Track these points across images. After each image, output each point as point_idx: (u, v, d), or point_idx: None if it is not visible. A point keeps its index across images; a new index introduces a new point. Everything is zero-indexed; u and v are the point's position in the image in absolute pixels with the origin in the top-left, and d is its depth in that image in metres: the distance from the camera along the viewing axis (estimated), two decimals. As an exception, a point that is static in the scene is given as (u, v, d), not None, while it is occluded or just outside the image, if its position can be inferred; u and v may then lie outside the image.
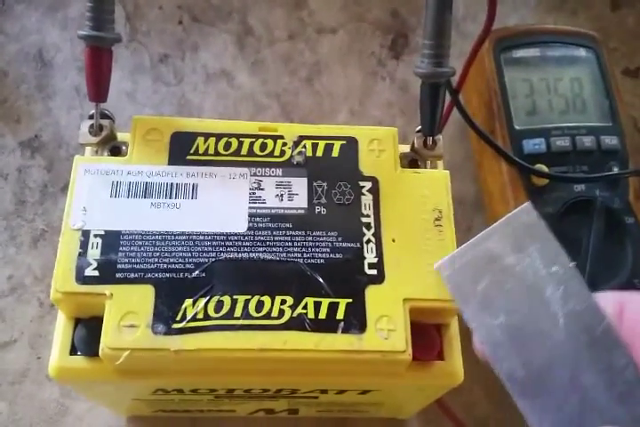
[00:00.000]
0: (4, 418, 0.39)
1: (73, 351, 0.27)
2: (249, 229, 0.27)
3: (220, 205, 0.28)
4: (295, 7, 0.53)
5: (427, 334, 0.28)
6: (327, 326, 0.26)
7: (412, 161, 0.32)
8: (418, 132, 0.31)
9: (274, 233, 0.27)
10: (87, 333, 0.27)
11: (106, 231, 0.27)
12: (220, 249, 0.27)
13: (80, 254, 0.26)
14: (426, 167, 0.31)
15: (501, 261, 0.25)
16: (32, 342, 0.41)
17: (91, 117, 0.30)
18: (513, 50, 0.45)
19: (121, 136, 0.31)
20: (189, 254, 0.26)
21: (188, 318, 0.25)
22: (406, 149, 0.32)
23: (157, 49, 0.51)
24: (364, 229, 0.28)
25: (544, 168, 0.41)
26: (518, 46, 0.45)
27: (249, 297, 0.26)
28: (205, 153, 0.29)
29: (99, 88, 0.29)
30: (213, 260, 0.26)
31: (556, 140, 0.42)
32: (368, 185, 0.29)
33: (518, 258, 0.25)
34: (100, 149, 0.30)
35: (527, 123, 0.43)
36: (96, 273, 0.26)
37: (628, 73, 0.54)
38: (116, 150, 0.30)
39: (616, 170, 0.42)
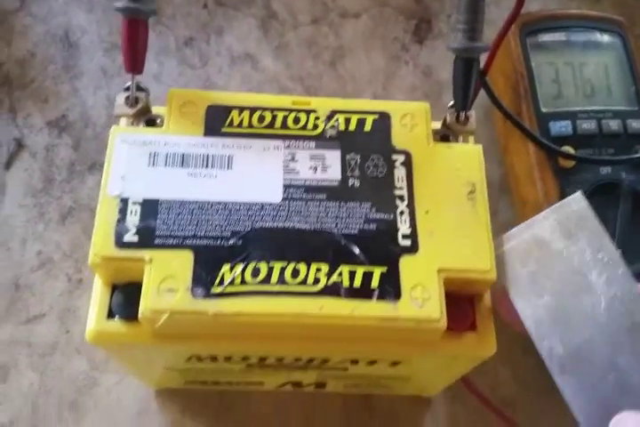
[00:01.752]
0: (36, 389, 0.39)
1: (110, 316, 0.27)
2: (284, 199, 0.28)
3: (254, 176, 0.28)
4: (319, -9, 0.53)
5: (460, 305, 0.28)
6: (362, 293, 0.26)
7: (443, 136, 0.32)
8: (450, 107, 0.31)
9: (308, 204, 0.28)
10: (125, 297, 0.27)
11: (144, 199, 0.27)
12: (256, 218, 0.27)
13: (119, 221, 0.26)
14: (458, 142, 0.31)
15: (550, 245, 0.26)
16: (61, 316, 0.41)
17: (126, 89, 0.30)
18: (539, 34, 0.45)
19: (155, 109, 0.31)
20: (226, 223, 0.27)
21: (226, 282, 0.25)
22: (438, 125, 0.32)
23: (182, 32, 0.51)
24: (398, 201, 0.28)
25: (571, 150, 0.41)
26: (544, 31, 0.45)
27: (285, 264, 0.26)
28: (240, 125, 0.29)
29: (135, 60, 0.29)
30: (249, 228, 0.27)
31: (582, 123, 0.42)
32: (401, 158, 0.29)
33: (567, 244, 0.26)
34: (135, 120, 0.30)
35: (553, 106, 0.43)
36: (135, 239, 0.26)
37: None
38: (151, 122, 0.31)
39: (642, 153, 0.42)
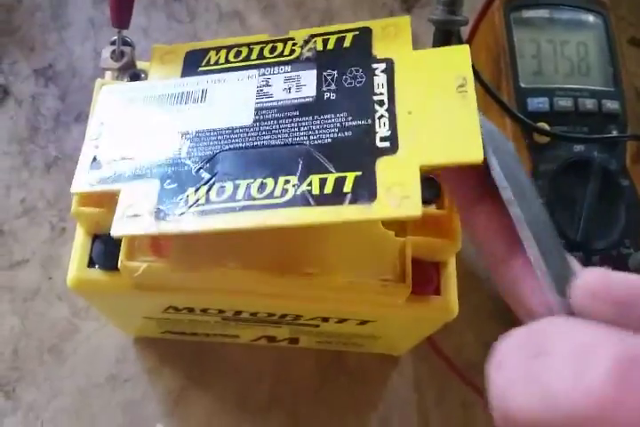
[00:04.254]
0: (17, 332, 0.41)
1: (90, 265, 0.28)
2: (255, 121, 0.27)
3: (227, 105, 0.28)
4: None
5: (425, 270, 0.29)
6: (333, 199, 0.25)
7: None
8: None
9: (280, 122, 0.27)
10: (105, 247, 0.28)
11: (116, 136, 0.27)
12: (225, 142, 0.27)
13: (94, 159, 0.27)
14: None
15: None
16: (43, 263, 0.42)
17: (112, 44, 0.31)
18: (522, 9, 0.46)
19: (140, 64, 0.32)
20: (195, 150, 0.27)
21: (190, 203, 0.25)
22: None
23: (172, -14, 0.51)
24: (376, 106, 0.26)
25: (546, 126, 0.42)
26: (528, 6, 0.46)
27: (251, 181, 0.26)
28: (216, 63, 0.29)
29: (122, 15, 0.30)
30: (217, 151, 0.27)
31: (559, 101, 0.43)
32: (382, 66, 0.27)
33: None
34: (120, 74, 0.31)
35: (532, 82, 0.44)
36: (107, 174, 0.26)
37: (634, 42, 0.55)
38: (136, 77, 0.31)
39: (615, 133, 0.43)
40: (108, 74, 0.31)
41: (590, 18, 0.47)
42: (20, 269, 0.42)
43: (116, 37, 0.30)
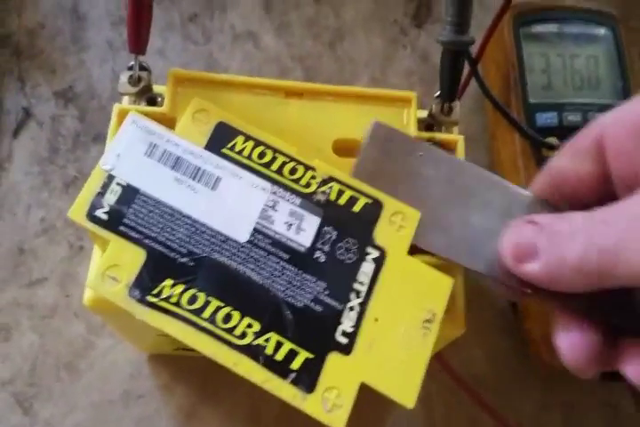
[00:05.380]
0: (35, 349, 0.42)
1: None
2: (248, 241, 0.28)
3: (232, 207, 0.28)
4: (323, -27, 0.55)
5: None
6: (279, 369, 0.26)
7: (428, 125, 0.33)
8: (437, 97, 0.33)
9: (269, 257, 0.27)
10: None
11: (127, 184, 0.28)
12: (216, 248, 0.27)
13: (99, 194, 0.28)
14: (441, 132, 0.33)
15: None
16: (61, 281, 0.43)
17: (130, 69, 0.32)
18: (532, 25, 0.47)
19: (156, 88, 0.33)
20: (187, 239, 0.27)
21: (162, 296, 0.26)
22: (424, 114, 0.34)
23: (187, 8, 0.53)
24: (352, 295, 0.27)
25: (555, 141, 0.43)
26: (537, 21, 0.47)
27: (222, 305, 0.26)
28: (240, 153, 0.29)
29: (139, 40, 0.31)
30: (205, 255, 0.27)
31: (568, 115, 0.44)
32: (375, 254, 0.28)
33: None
34: (137, 99, 0.32)
35: (542, 97, 0.45)
36: (105, 217, 0.27)
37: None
38: (152, 101, 0.32)
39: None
40: (126, 98, 0.32)
41: (600, 31, 0.48)
42: (38, 288, 0.43)
43: (133, 62, 0.31)
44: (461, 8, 0.30)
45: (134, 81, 0.31)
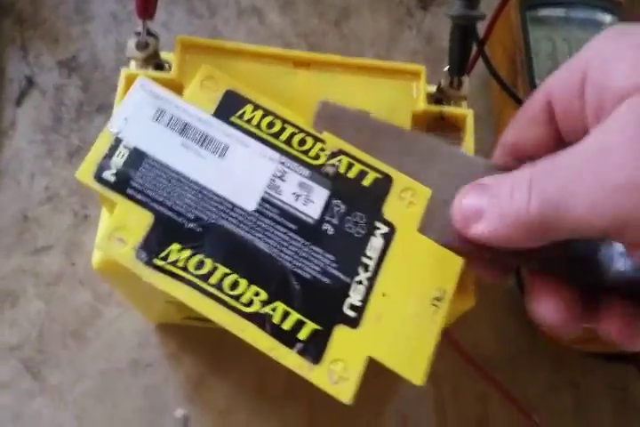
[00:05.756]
0: (42, 316, 0.42)
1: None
2: (256, 210, 0.27)
3: (239, 175, 0.28)
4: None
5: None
6: (286, 338, 0.26)
7: (437, 99, 0.33)
8: (446, 71, 0.33)
9: (276, 226, 0.27)
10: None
11: (135, 147, 0.28)
12: (223, 215, 0.27)
13: (105, 156, 0.27)
14: (450, 106, 0.33)
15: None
16: (67, 249, 0.44)
17: (137, 34, 0.32)
18: (538, 8, 0.47)
19: (163, 55, 0.32)
20: (194, 205, 0.27)
21: (169, 260, 0.26)
22: (433, 89, 0.34)
23: (193, -18, 0.52)
24: (361, 269, 0.27)
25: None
26: (544, 5, 0.47)
27: (229, 272, 0.26)
28: (249, 122, 0.29)
29: (147, 5, 0.30)
30: (213, 221, 0.27)
31: (573, 97, 0.44)
32: (384, 229, 0.28)
33: None
34: (144, 64, 0.32)
35: (547, 79, 0.45)
36: (112, 179, 0.27)
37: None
38: (159, 67, 0.32)
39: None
40: (133, 63, 0.32)
41: (606, 17, 0.48)
42: (43, 255, 0.43)
43: (140, 28, 0.31)
44: (473, -18, 0.31)
45: (142, 46, 0.31)
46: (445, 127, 0.33)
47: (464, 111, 0.32)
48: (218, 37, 0.50)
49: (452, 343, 0.41)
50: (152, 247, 0.26)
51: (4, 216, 0.44)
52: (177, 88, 0.30)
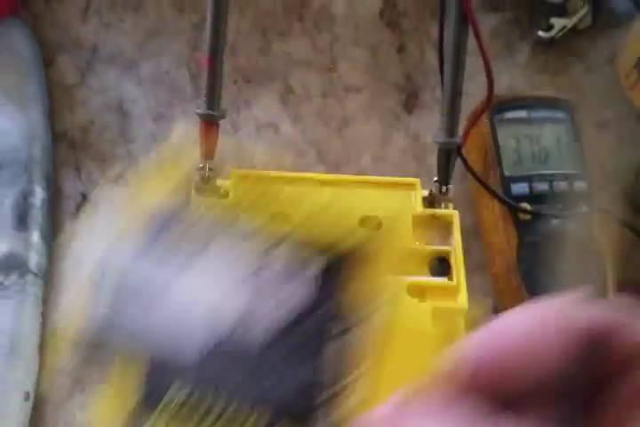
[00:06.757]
0: None
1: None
2: None
3: None
4: (327, 70, 0.65)
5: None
6: None
7: (430, 202, 0.43)
8: (435, 182, 0.43)
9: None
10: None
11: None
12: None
13: None
14: (440, 208, 0.43)
15: None
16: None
17: (200, 170, 0.41)
18: (504, 112, 0.57)
19: (219, 182, 0.42)
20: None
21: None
22: (426, 193, 0.43)
23: (216, 103, 0.63)
24: None
25: (528, 206, 0.53)
26: (508, 109, 0.57)
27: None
28: None
29: (208, 150, 0.40)
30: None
31: (537, 185, 0.54)
32: None
33: None
34: (206, 193, 0.41)
35: (514, 170, 0.55)
36: None
37: (598, 125, 0.66)
38: (217, 192, 0.42)
39: (585, 208, 0.54)
40: (194, 192, 0.42)
41: (560, 114, 0.58)
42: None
43: (203, 164, 0.41)
44: (452, 118, 0.41)
45: (205, 179, 0.41)
46: (438, 224, 0.42)
47: (451, 212, 0.42)
48: (241, 149, 0.60)
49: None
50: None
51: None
52: (234, 210, 0.40)
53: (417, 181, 0.43)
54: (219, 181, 0.42)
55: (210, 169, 0.41)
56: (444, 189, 0.42)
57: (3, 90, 0.59)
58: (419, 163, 0.62)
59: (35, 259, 0.54)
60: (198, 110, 0.39)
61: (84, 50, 0.64)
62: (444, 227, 0.42)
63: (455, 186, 0.59)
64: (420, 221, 0.42)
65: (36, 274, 0.53)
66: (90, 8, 0.65)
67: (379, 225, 0.41)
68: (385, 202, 0.42)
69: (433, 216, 0.42)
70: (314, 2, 0.68)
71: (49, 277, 0.54)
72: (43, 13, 0.65)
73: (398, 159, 0.62)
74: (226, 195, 0.41)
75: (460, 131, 0.44)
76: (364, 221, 0.41)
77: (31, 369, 0.50)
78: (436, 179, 0.43)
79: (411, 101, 0.65)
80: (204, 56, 0.38)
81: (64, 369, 0.49)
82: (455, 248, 0.40)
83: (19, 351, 0.50)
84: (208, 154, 0.40)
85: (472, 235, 0.58)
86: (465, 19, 0.37)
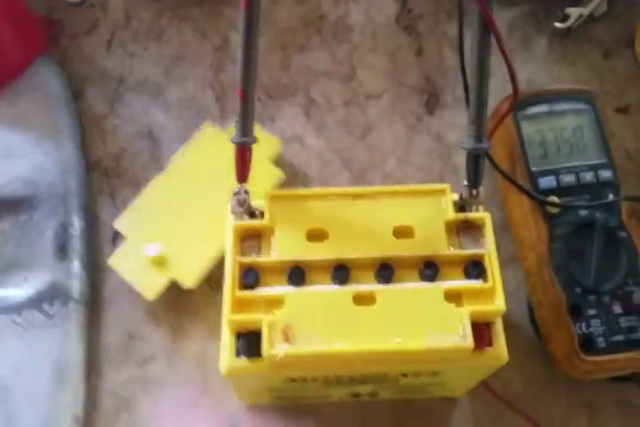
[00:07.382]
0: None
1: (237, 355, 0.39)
2: None
3: None
4: (347, 80, 0.66)
5: (480, 329, 0.39)
6: None
7: (461, 206, 0.44)
8: (465, 186, 0.43)
9: None
10: (248, 342, 0.39)
11: None
12: None
13: None
14: (471, 211, 0.43)
15: None
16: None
17: (236, 194, 0.42)
18: (527, 108, 0.57)
19: (254, 204, 0.43)
20: None
21: None
22: (456, 197, 0.44)
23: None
24: None
25: (556, 199, 0.53)
26: (531, 104, 0.57)
27: None
28: None
29: (244, 174, 0.42)
30: None
31: (564, 177, 0.54)
32: None
33: None
34: (242, 216, 0.43)
35: (541, 165, 0.55)
36: None
37: (620, 110, 0.66)
38: (252, 215, 0.43)
39: (611, 197, 0.54)
40: (232, 216, 0.43)
41: (581, 105, 0.58)
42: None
43: (237, 189, 0.42)
44: (479, 123, 0.41)
45: (241, 202, 0.42)
46: (470, 228, 0.43)
47: (483, 215, 0.43)
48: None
49: (487, 387, 0.50)
50: None
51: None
52: (269, 231, 0.42)
53: (447, 186, 0.43)
54: (253, 203, 0.43)
55: (245, 192, 0.43)
56: (474, 192, 0.43)
57: (37, 128, 0.61)
58: (444, 163, 0.62)
59: (77, 287, 0.56)
60: (233, 138, 0.41)
61: (111, 80, 0.66)
62: (477, 229, 0.43)
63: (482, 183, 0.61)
64: (452, 226, 0.43)
65: (78, 301, 0.55)
66: (114, 40, 0.67)
67: (412, 234, 0.42)
68: (417, 210, 0.43)
69: (465, 220, 0.43)
70: (331, 14, 0.69)
71: (91, 303, 0.56)
72: (69, 48, 0.67)
73: (423, 161, 0.63)
74: (261, 215, 0.42)
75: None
76: (397, 230, 0.42)
77: (79, 393, 0.52)
78: (465, 183, 0.43)
79: (432, 102, 0.66)
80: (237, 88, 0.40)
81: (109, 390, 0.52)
82: (489, 250, 0.41)
83: (67, 376, 0.52)
84: (243, 177, 0.42)
85: (501, 230, 0.58)
86: (487, 30, 0.38)
